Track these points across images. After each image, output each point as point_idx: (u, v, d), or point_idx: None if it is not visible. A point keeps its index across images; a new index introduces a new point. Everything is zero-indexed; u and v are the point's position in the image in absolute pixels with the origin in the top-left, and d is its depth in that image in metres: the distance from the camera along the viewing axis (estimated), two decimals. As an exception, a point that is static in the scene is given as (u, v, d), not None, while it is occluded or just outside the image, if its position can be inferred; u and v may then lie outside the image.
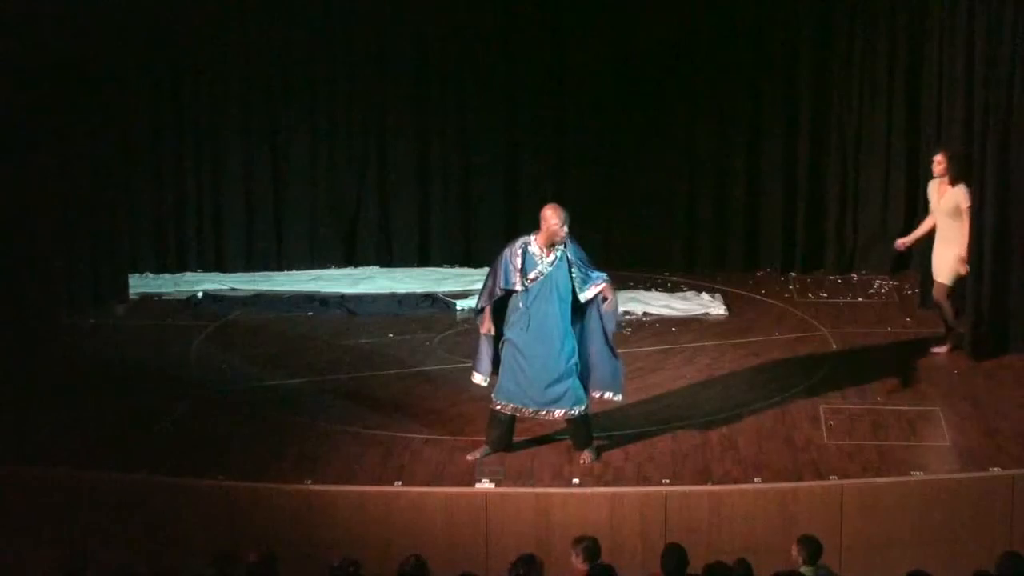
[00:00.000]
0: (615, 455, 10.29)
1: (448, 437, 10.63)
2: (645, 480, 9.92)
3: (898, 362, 12.07)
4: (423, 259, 15.11)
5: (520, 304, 10.07)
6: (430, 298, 13.97)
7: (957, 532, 9.59)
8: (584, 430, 10.24)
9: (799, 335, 12.84)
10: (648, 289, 14.19)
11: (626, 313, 13.41)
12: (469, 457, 10.23)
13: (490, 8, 14.67)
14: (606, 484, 9.88)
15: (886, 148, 14.45)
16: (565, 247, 10.06)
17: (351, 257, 15.13)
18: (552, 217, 9.98)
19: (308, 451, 10.37)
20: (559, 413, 10.14)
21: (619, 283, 14.16)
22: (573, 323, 10.13)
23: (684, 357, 12.39)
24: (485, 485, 9.78)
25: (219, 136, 14.74)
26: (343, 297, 13.97)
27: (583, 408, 10.16)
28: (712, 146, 14.84)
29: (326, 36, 14.68)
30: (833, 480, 9.79)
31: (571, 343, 10.10)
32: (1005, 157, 11.79)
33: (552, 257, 10.04)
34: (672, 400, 11.33)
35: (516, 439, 10.41)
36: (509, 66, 14.83)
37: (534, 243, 10.07)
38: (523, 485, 9.87)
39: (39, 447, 10.40)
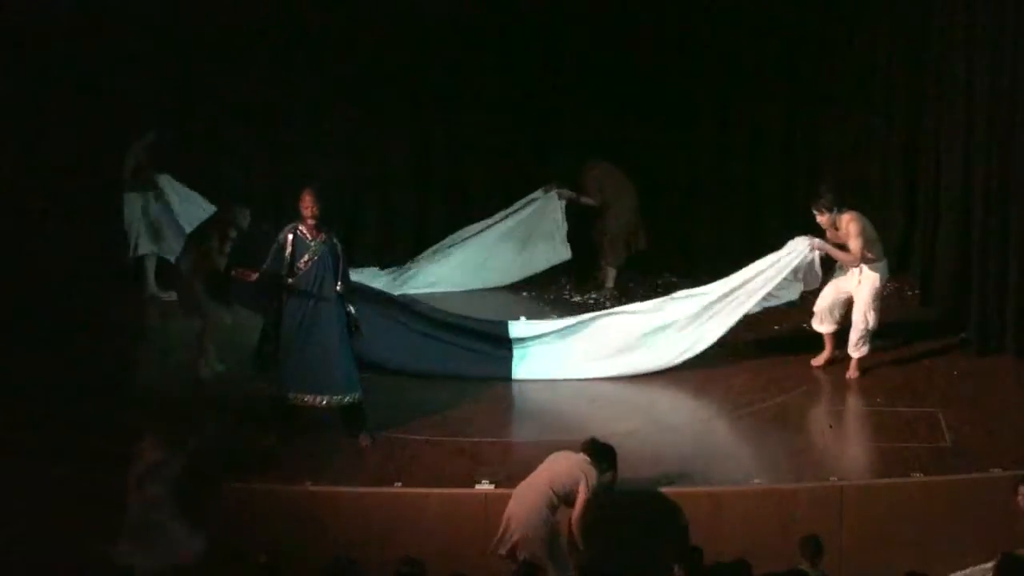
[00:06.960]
0: (615, 456, 10.29)
1: (448, 438, 10.63)
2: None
3: (898, 363, 12.07)
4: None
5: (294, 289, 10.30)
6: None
7: (957, 532, 9.58)
8: (360, 415, 10.47)
9: (799, 336, 12.82)
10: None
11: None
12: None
13: (490, 11, 14.67)
14: (606, 485, 9.87)
15: (885, 150, 14.46)
16: (331, 233, 10.35)
17: (350, 258, 15.06)
18: (303, 197, 10.26)
19: (309, 451, 10.38)
20: (336, 399, 10.36)
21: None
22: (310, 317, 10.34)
23: (684, 357, 12.37)
24: (485, 485, 9.78)
25: (220, 138, 14.73)
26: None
27: (358, 395, 10.38)
28: (712, 148, 14.88)
29: (326, 36, 14.68)
30: (833, 481, 9.80)
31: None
32: (1006, 157, 11.79)
33: (322, 237, 10.32)
34: (672, 400, 11.32)
35: (516, 440, 10.41)
36: (509, 68, 14.84)
37: (302, 228, 10.32)
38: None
39: (40, 447, 10.40)
